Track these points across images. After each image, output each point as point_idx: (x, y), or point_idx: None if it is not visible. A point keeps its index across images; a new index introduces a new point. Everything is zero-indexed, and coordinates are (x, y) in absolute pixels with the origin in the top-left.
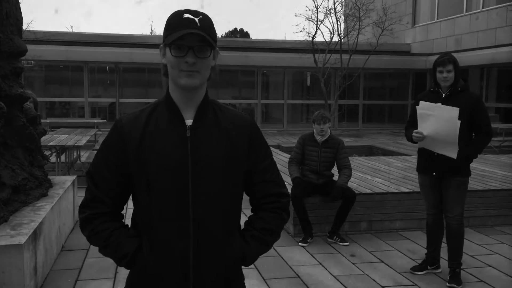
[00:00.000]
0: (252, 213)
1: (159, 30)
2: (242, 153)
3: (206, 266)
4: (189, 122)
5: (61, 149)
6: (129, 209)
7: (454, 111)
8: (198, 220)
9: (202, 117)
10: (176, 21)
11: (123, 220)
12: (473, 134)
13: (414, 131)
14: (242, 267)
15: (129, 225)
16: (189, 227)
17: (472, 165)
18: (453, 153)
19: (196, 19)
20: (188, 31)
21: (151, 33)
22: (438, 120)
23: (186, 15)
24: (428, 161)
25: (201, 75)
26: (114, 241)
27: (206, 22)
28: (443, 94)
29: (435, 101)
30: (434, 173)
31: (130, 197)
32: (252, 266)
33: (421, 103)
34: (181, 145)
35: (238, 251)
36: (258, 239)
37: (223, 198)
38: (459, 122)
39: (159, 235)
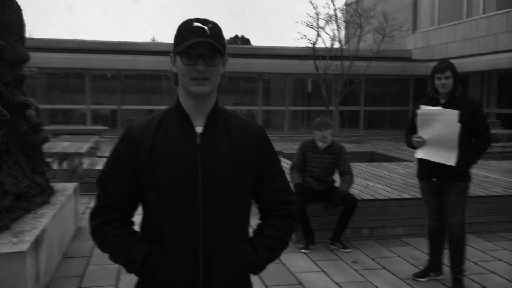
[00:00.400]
0: (260, 221)
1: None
2: (252, 161)
3: (215, 273)
4: (199, 129)
5: (63, 156)
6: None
7: (455, 115)
8: (208, 228)
9: (213, 124)
10: (186, 30)
11: (134, 226)
12: (473, 140)
13: (414, 135)
14: None
15: (139, 232)
16: (199, 235)
17: (474, 171)
18: (451, 160)
19: (206, 28)
20: (198, 39)
21: (153, 40)
22: (438, 124)
23: (196, 24)
24: (429, 167)
25: (212, 82)
26: (124, 247)
27: (215, 30)
28: (442, 101)
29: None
30: (435, 179)
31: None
32: None
33: (422, 107)
34: (192, 153)
35: (247, 258)
36: (268, 247)
37: (232, 205)
38: (459, 125)
39: (168, 242)
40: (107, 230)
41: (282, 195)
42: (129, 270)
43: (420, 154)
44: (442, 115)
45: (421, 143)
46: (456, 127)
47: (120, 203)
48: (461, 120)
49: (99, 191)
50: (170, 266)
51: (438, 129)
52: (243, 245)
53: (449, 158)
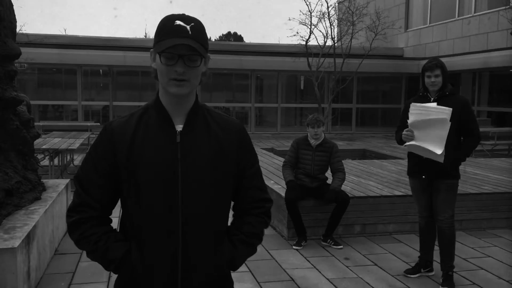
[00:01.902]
0: (235, 217)
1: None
2: (232, 159)
3: (195, 269)
4: (179, 127)
5: (54, 152)
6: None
7: (447, 112)
8: (188, 224)
9: (192, 122)
10: (168, 27)
11: (111, 224)
12: (461, 138)
13: (405, 130)
14: (236, 270)
15: (118, 229)
16: (178, 231)
17: (465, 168)
18: (439, 157)
19: (188, 27)
20: (179, 41)
21: (145, 36)
22: (429, 120)
23: (178, 22)
24: (418, 165)
25: (190, 83)
26: (102, 246)
27: (197, 29)
28: (432, 99)
29: None
30: (424, 176)
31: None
32: (246, 269)
33: (413, 104)
34: (171, 151)
35: (227, 255)
36: (246, 243)
37: (212, 202)
38: (449, 123)
39: (148, 239)
40: (85, 228)
41: (260, 194)
42: (107, 268)
43: (409, 147)
44: (435, 111)
45: (411, 137)
46: (446, 124)
47: (98, 201)
48: (451, 117)
49: (77, 188)
50: (150, 262)
51: (429, 125)
52: (223, 241)
53: (437, 155)
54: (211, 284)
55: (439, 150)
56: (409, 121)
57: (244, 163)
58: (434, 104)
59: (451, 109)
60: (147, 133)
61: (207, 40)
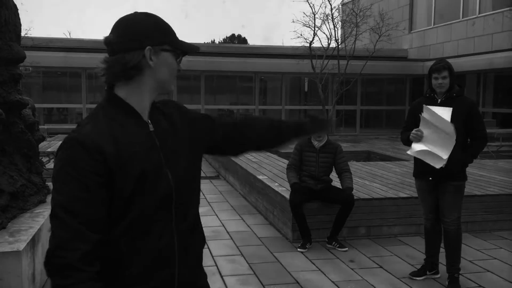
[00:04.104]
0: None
1: None
2: (201, 133)
3: (187, 250)
4: (145, 117)
5: None
6: None
7: (452, 132)
8: (178, 208)
9: (155, 113)
10: (166, 25)
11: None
12: (468, 140)
13: (414, 130)
14: (241, 273)
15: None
16: (172, 219)
17: (470, 170)
18: (438, 163)
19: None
20: (193, 44)
21: None
22: (438, 128)
23: (166, 21)
24: (424, 166)
25: None
26: None
27: None
28: (439, 100)
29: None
30: (430, 178)
31: None
32: (251, 272)
33: (426, 107)
34: (150, 141)
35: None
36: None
37: (194, 180)
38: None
39: (147, 230)
40: (75, 278)
41: (226, 120)
42: None
43: (412, 151)
44: (441, 124)
45: (419, 137)
46: (453, 138)
47: (96, 226)
48: (457, 119)
49: (65, 218)
50: (148, 257)
51: (438, 132)
52: (199, 223)
53: (437, 161)
54: (198, 268)
55: (445, 155)
56: (420, 122)
57: (206, 123)
58: (445, 114)
59: (454, 131)
60: (123, 130)
61: None
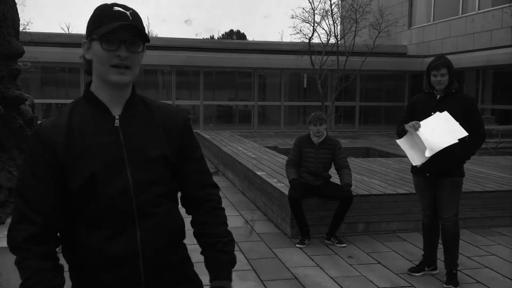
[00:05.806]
0: (190, 212)
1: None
2: (176, 144)
3: (151, 242)
4: (117, 113)
5: None
6: None
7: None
8: (141, 207)
9: (131, 107)
10: (106, 14)
11: (56, 243)
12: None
13: (414, 121)
14: (240, 269)
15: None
16: (134, 217)
17: (469, 166)
18: (416, 161)
19: (128, 13)
20: (122, 22)
21: (148, 33)
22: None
23: (117, 8)
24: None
25: (133, 72)
26: (30, 286)
27: (136, 16)
28: (438, 96)
29: (429, 102)
30: (428, 174)
31: None
32: (249, 268)
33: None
34: (112, 136)
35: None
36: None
37: (161, 184)
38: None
39: (105, 228)
40: (23, 256)
41: (206, 178)
42: None
43: (400, 140)
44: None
45: (415, 128)
46: (460, 136)
47: (40, 211)
48: (456, 116)
49: (17, 202)
50: (110, 253)
51: (446, 126)
52: (175, 210)
53: (417, 158)
54: (167, 251)
55: (414, 162)
56: (427, 119)
57: (188, 146)
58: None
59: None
60: (83, 123)
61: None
